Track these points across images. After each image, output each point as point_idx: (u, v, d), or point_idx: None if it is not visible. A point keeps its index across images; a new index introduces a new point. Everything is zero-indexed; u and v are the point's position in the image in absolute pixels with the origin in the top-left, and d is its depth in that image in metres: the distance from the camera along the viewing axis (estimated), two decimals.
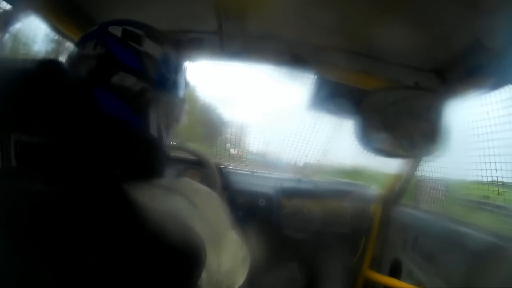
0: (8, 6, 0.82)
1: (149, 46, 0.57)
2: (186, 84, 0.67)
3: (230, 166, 1.69)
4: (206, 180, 1.47)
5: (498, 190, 1.12)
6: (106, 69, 0.54)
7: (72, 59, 0.57)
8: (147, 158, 0.55)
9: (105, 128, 0.51)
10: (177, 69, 0.62)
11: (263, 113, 1.62)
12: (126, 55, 0.55)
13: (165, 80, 0.59)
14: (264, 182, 1.68)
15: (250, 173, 1.78)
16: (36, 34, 0.96)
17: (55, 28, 0.97)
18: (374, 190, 1.66)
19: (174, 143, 1.50)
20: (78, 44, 0.59)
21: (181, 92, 0.65)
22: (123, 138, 0.52)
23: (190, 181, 0.62)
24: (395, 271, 1.38)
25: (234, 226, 0.63)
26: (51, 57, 0.56)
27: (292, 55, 1.10)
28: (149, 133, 0.56)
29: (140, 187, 0.50)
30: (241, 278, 0.63)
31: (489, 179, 1.10)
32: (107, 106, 0.52)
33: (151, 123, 0.56)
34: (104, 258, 0.44)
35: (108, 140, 0.50)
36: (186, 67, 0.66)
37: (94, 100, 0.52)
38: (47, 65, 0.52)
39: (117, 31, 0.56)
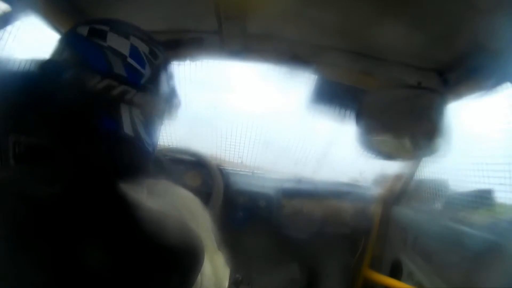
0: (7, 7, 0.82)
1: (114, 41, 0.55)
2: (170, 76, 0.63)
3: (230, 167, 1.69)
4: (207, 181, 1.47)
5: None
6: (73, 71, 0.53)
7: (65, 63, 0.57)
8: (123, 156, 0.54)
9: (83, 130, 0.51)
10: (152, 62, 0.59)
11: (263, 113, 1.62)
12: (90, 53, 0.54)
13: (135, 75, 0.56)
14: (264, 182, 1.68)
15: (250, 173, 1.78)
16: (36, 34, 0.96)
17: (54, 28, 0.97)
18: (374, 190, 1.66)
19: (174, 145, 1.51)
20: (53, 49, 0.58)
21: (163, 87, 0.61)
22: (99, 139, 0.52)
23: (169, 184, 0.61)
24: (396, 272, 1.38)
25: (213, 230, 0.62)
26: (50, 58, 0.56)
27: (292, 55, 1.10)
28: (123, 132, 0.54)
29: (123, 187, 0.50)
30: (225, 281, 0.63)
31: (489, 179, 1.09)
32: (83, 108, 0.51)
33: (124, 122, 0.54)
34: (103, 258, 0.44)
35: (86, 142, 0.50)
36: (168, 59, 0.63)
37: (74, 103, 0.51)
38: (45, 67, 0.53)
39: (84, 30, 0.56)
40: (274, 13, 0.95)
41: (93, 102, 0.52)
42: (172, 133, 1.52)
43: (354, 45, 1.07)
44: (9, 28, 0.88)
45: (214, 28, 1.01)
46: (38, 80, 0.51)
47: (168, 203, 0.56)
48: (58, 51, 0.56)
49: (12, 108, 0.48)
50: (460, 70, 1.00)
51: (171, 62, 0.65)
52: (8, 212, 0.44)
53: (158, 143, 0.64)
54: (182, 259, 0.50)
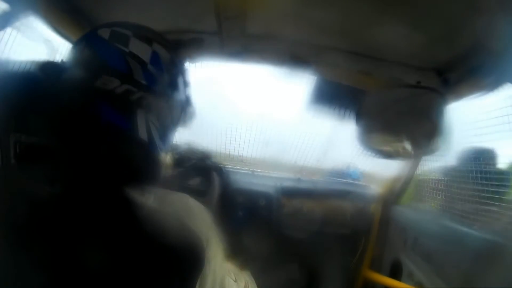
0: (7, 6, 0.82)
1: (136, 47, 0.55)
2: (186, 85, 0.64)
3: (231, 166, 1.69)
4: (206, 180, 1.46)
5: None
6: (92, 73, 0.53)
7: (66, 63, 0.57)
8: (135, 161, 0.54)
9: (94, 131, 0.51)
10: (171, 70, 0.60)
11: (263, 113, 1.62)
12: (112, 57, 0.54)
13: (154, 82, 0.56)
14: (264, 181, 1.68)
15: (250, 172, 1.78)
16: (36, 34, 0.96)
17: (54, 29, 0.97)
18: (374, 190, 1.66)
19: (174, 143, 1.50)
20: (71, 49, 0.59)
21: (179, 95, 0.62)
22: (111, 141, 0.52)
23: (185, 197, 0.61)
24: (396, 272, 1.38)
25: (224, 246, 0.62)
26: (51, 59, 0.56)
27: (292, 55, 1.10)
28: (138, 137, 0.54)
29: (132, 193, 0.50)
30: None
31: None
32: (96, 109, 0.51)
33: (139, 127, 0.54)
34: (104, 258, 0.44)
35: (97, 144, 0.50)
36: (185, 68, 0.64)
37: (86, 103, 0.51)
38: (46, 67, 0.53)
39: (106, 33, 0.56)
40: (274, 13, 0.95)
41: (109, 103, 0.52)
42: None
43: (354, 45, 1.07)
44: (9, 28, 0.88)
45: (214, 28, 1.01)
46: (40, 80, 0.51)
47: (175, 211, 0.55)
48: (77, 51, 0.57)
49: (14, 108, 0.48)
50: (460, 70, 1.00)
51: (188, 72, 0.65)
52: (9, 211, 0.44)
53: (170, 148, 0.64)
54: (183, 260, 0.50)
